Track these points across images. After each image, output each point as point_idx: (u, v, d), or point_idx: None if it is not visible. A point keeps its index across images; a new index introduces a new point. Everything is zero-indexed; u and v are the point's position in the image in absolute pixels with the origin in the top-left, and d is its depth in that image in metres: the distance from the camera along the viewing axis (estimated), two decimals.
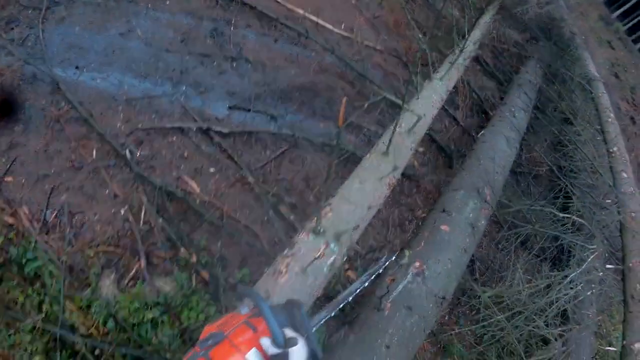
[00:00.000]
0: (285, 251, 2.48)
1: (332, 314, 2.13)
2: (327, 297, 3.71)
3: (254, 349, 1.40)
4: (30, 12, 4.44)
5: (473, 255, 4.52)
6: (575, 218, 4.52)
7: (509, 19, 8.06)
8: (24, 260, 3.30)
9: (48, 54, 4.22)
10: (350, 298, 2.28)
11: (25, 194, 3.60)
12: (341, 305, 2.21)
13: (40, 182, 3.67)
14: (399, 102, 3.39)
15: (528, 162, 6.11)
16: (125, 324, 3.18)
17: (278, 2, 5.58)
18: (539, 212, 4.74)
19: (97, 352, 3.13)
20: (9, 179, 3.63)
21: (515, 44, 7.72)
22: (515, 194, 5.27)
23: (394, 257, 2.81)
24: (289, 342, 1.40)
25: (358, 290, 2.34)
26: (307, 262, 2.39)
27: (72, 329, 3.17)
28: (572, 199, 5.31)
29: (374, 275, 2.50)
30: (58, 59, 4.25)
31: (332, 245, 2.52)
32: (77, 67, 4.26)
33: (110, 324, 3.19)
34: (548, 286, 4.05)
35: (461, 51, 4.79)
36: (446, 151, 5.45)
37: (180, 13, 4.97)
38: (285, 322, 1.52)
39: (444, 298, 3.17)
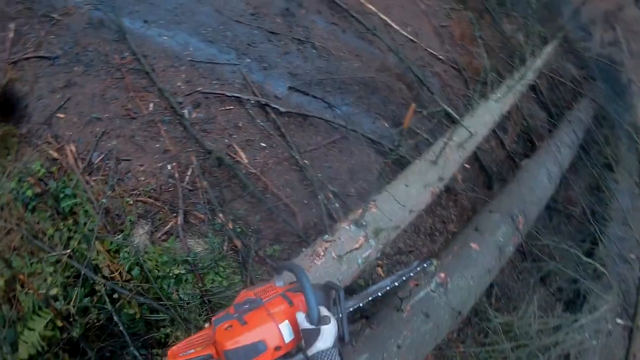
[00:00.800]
0: (326, 236, 2.54)
1: (361, 304, 2.16)
2: (350, 287, 3.65)
3: (286, 321, 1.47)
4: None
5: (493, 279, 4.38)
6: (598, 265, 4.40)
7: (570, 54, 7.88)
8: (61, 195, 3.26)
9: (118, 3, 4.24)
10: (380, 293, 2.31)
11: (75, 132, 3.58)
12: (370, 298, 2.25)
13: (92, 124, 3.65)
14: (456, 115, 3.36)
15: (563, 200, 5.91)
16: (149, 275, 3.10)
17: None
18: (564, 251, 4.61)
19: (115, 295, 3.06)
20: (60, 115, 3.62)
21: (573, 80, 7.50)
22: (545, 228, 5.12)
23: (426, 265, 2.85)
24: (322, 320, 1.46)
25: (388, 288, 2.37)
26: (344, 251, 2.46)
27: (96, 269, 3.11)
28: (598, 246, 5.13)
29: (404, 277, 2.56)
30: (127, 10, 4.28)
31: (370, 239, 2.59)
32: (145, 21, 4.27)
33: (136, 272, 3.12)
34: (558, 326, 3.94)
35: (521, 78, 4.69)
36: (488, 172, 5.30)
37: None
38: (321, 300, 1.58)
39: (459, 313, 3.14)
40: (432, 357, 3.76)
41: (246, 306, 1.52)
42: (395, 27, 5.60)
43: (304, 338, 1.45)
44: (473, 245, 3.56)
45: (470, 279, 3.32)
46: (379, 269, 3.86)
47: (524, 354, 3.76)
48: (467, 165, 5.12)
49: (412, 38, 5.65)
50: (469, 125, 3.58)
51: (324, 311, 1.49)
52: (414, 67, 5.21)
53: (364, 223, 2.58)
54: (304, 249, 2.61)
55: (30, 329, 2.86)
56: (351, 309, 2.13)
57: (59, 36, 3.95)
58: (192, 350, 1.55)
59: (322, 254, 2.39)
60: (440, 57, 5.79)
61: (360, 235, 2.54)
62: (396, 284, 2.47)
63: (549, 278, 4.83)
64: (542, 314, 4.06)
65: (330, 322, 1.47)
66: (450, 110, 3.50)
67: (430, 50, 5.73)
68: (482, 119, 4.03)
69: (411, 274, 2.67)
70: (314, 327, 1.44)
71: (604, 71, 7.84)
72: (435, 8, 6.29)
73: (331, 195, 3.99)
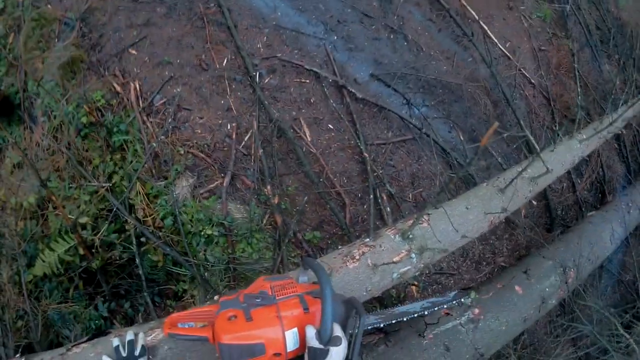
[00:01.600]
0: (367, 239, 2.34)
1: (382, 325, 2.01)
2: (378, 298, 3.45)
3: (295, 329, 1.35)
4: None
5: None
6: (632, 342, 4.03)
7: None
8: (115, 129, 3.22)
9: None
10: (406, 318, 2.14)
11: (143, 71, 3.50)
12: (394, 321, 2.07)
13: (161, 66, 3.55)
14: (537, 146, 3.08)
15: (618, 264, 5.51)
16: (182, 228, 2.99)
17: None
18: (604, 317, 4.27)
19: (143, 239, 3.01)
20: (133, 51, 3.54)
21: None
22: (592, 288, 4.77)
23: (463, 300, 2.70)
24: (333, 341, 1.32)
25: (416, 315, 2.21)
26: (381, 261, 2.25)
27: (131, 209, 3.06)
28: (639, 321, 4.72)
29: (437, 307, 2.37)
30: None
31: (413, 255, 2.36)
32: None
33: (169, 221, 3.03)
34: None
35: (611, 124, 4.29)
36: (552, 213, 4.93)
37: None
38: (337, 317, 1.42)
39: (482, 355, 2.95)
40: None
41: (258, 300, 1.41)
42: (494, 39, 5.24)
43: (310, 356, 1.32)
44: (517, 288, 3.39)
45: (504, 323, 3.14)
46: (413, 287, 3.63)
47: None
48: (533, 202, 4.78)
49: (508, 54, 5.27)
50: (547, 161, 3.25)
51: (337, 330, 1.34)
52: (504, 85, 4.85)
53: (410, 236, 2.35)
54: (340, 246, 2.45)
55: (51, 249, 2.85)
56: (370, 327, 1.97)
57: None
58: (192, 324, 1.49)
59: (357, 257, 2.19)
60: (533, 81, 5.39)
61: (404, 248, 2.31)
62: (426, 312, 2.30)
63: (581, 341, 4.47)
64: None
65: (340, 344, 1.32)
66: (532, 139, 3.19)
67: (524, 72, 5.35)
68: (562, 157, 3.71)
69: (444, 306, 2.44)
70: (322, 347, 1.30)
71: None
72: (537, 29, 5.86)
73: (386, 196, 3.75)
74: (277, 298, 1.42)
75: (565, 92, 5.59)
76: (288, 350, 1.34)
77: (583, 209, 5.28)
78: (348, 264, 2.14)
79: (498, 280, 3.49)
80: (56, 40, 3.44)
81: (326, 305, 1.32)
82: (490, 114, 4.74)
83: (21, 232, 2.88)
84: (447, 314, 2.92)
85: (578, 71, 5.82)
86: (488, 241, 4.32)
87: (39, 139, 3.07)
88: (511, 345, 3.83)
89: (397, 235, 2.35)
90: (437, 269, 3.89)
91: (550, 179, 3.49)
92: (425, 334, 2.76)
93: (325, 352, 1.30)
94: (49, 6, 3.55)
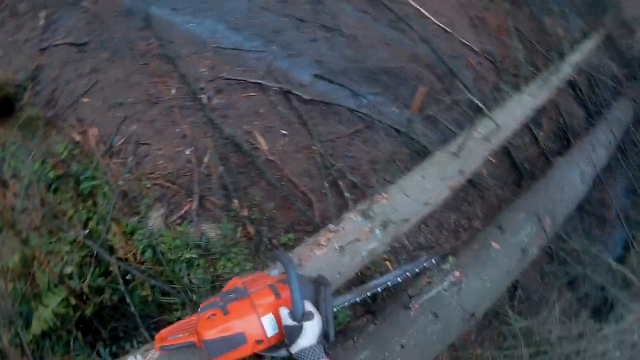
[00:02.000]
0: (331, 225, 2.48)
1: (358, 300, 2.08)
2: (361, 282, 3.56)
3: (270, 314, 1.45)
4: None
5: (517, 282, 4.31)
6: (628, 273, 4.23)
7: (612, 51, 7.47)
8: (82, 177, 3.39)
9: None
10: (380, 289, 2.22)
11: (98, 116, 3.69)
12: (369, 293, 2.16)
13: (114, 108, 3.74)
14: (480, 104, 3.23)
15: (598, 203, 5.66)
16: (162, 258, 3.16)
17: None
18: (594, 256, 4.47)
19: (128, 277, 3.14)
20: (85, 99, 3.73)
21: (614, 78, 7.11)
22: (575, 231, 4.92)
23: (434, 261, 2.67)
24: (306, 316, 1.44)
25: (389, 284, 2.27)
26: (347, 241, 2.38)
27: (111, 250, 3.20)
28: (630, 252, 4.96)
29: (409, 273, 2.42)
30: None
31: (377, 231, 2.50)
32: (173, 9, 4.34)
33: (148, 254, 3.18)
34: (581, 334, 3.78)
35: (557, 71, 4.47)
36: (519, 169, 5.12)
37: None
38: (308, 295, 1.56)
39: (472, 315, 2.97)
40: (447, 357, 3.69)
41: (232, 295, 1.51)
42: (429, 16, 5.45)
43: (286, 334, 1.43)
44: (494, 244, 3.38)
45: (487, 280, 3.15)
46: (388, 263, 3.77)
47: None
48: (494, 161, 4.97)
49: (446, 28, 5.49)
50: (498, 118, 3.43)
51: (308, 306, 1.47)
52: (445, 58, 5.08)
53: (371, 214, 2.52)
54: (306, 238, 2.55)
55: (44, 306, 2.99)
56: (347, 304, 2.06)
57: (87, 24, 4.06)
58: (179, 335, 1.56)
59: (323, 244, 2.34)
60: (475, 49, 5.60)
61: (367, 226, 2.48)
62: (399, 279, 2.36)
63: (577, 283, 4.63)
64: (566, 320, 3.95)
65: (313, 318, 1.45)
66: (474, 99, 3.34)
67: (465, 42, 5.55)
68: (513, 112, 3.86)
69: (417, 270, 2.51)
70: (296, 323, 1.41)
71: None
72: None
73: (350, 186, 3.94)
74: (249, 290, 1.52)
75: (510, 53, 5.78)
76: (269, 336, 1.44)
77: (550, 159, 5.41)
78: (316, 251, 2.29)
79: (474, 242, 3.49)
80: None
81: (292, 284, 1.44)
82: (438, 88, 4.93)
83: (12, 293, 3.07)
84: (429, 282, 2.96)
85: (518, 29, 6.06)
86: (460, 209, 4.48)
87: (13, 202, 3.27)
88: (507, 303, 4.00)
89: (358, 216, 2.51)
90: (415, 246, 4.04)
91: (504, 135, 3.63)
92: (410, 306, 2.79)
93: (299, 328, 1.40)
94: None
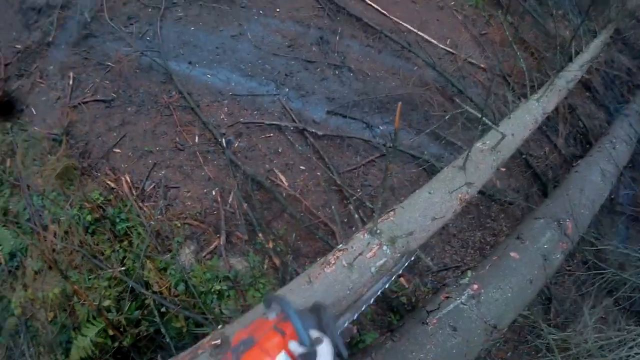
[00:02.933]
0: (340, 245, 2.54)
1: (355, 317, 2.16)
2: (383, 298, 3.72)
3: (282, 352, 1.44)
4: (149, 10, 4.99)
5: (551, 294, 4.28)
6: None
7: (621, 44, 7.49)
8: (117, 220, 3.66)
9: (164, 49, 4.69)
10: (373, 299, 2.30)
11: (130, 165, 3.97)
12: (364, 307, 2.24)
13: (144, 156, 4.02)
14: (479, 115, 3.23)
15: (628, 202, 5.61)
16: (194, 290, 3.36)
17: (384, 14, 5.74)
18: (629, 257, 4.35)
19: (163, 309, 3.33)
20: (117, 150, 4.02)
21: (628, 72, 7.10)
22: (608, 234, 4.88)
23: (413, 258, 2.69)
24: (315, 342, 1.45)
25: (380, 291, 2.36)
26: (355, 259, 2.43)
27: (146, 285, 3.43)
28: None
29: (394, 276, 2.50)
30: (173, 54, 4.70)
31: (385, 247, 2.53)
32: (189, 62, 4.67)
33: (181, 287, 3.40)
34: (620, 341, 3.60)
35: (559, 71, 4.53)
36: (541, 179, 5.17)
37: (289, 20, 5.28)
38: (311, 324, 1.57)
39: (495, 327, 2.96)
40: None
41: (241, 348, 1.50)
42: (433, 41, 5.68)
43: None
44: (512, 254, 3.38)
45: (508, 290, 3.13)
46: (402, 279, 3.90)
47: None
48: (510, 172, 5.05)
49: (450, 50, 5.70)
50: (506, 128, 3.45)
51: (314, 333, 1.50)
52: (453, 79, 5.27)
53: (378, 231, 2.56)
54: (318, 259, 2.64)
55: (83, 335, 3.18)
56: (348, 323, 2.13)
57: (112, 81, 4.39)
58: None
59: (332, 262, 2.41)
60: (482, 66, 5.79)
61: (374, 243, 2.52)
62: (387, 285, 2.47)
63: (615, 288, 4.48)
64: (604, 328, 3.80)
65: (323, 341, 1.46)
66: (472, 111, 3.39)
67: (471, 60, 5.75)
68: (521, 120, 3.89)
69: (400, 270, 2.58)
70: (307, 349, 1.43)
71: None
72: (473, 17, 6.29)
73: (370, 213, 4.09)
74: (255, 338, 1.50)
75: (516, 64, 5.81)
76: None
77: (574, 164, 5.28)
78: (325, 269, 2.36)
79: (493, 254, 3.49)
80: (48, 155, 3.92)
81: (292, 318, 1.47)
82: (449, 109, 5.02)
83: (52, 322, 3.28)
84: (447, 297, 2.99)
85: (522, 39, 6.18)
86: (485, 225, 4.57)
87: (54, 245, 3.52)
88: (541, 316, 3.97)
89: (365, 234, 2.55)
90: (440, 266, 4.13)
91: (514, 143, 3.67)
92: (428, 321, 2.81)
93: (314, 353, 1.41)
94: (35, 128, 4.06)
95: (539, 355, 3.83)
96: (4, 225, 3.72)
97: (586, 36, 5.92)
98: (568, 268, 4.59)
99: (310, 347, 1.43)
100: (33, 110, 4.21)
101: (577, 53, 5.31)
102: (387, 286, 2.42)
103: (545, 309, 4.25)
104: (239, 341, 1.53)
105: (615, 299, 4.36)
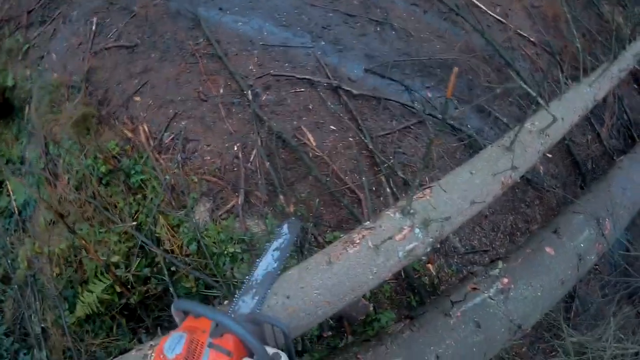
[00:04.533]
0: (367, 222, 2.30)
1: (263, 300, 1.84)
2: (404, 277, 3.50)
3: None
4: None
5: (575, 292, 4.05)
6: None
7: None
8: (132, 172, 3.49)
9: None
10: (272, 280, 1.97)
11: (149, 114, 3.76)
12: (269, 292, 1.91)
13: (165, 106, 3.80)
14: (534, 94, 2.93)
15: None
16: (207, 251, 3.17)
17: None
18: None
19: (173, 268, 3.19)
20: (137, 98, 3.81)
21: None
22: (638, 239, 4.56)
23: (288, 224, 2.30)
24: (275, 357, 1.34)
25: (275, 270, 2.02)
26: (382, 240, 2.17)
27: (158, 242, 3.27)
28: None
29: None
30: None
31: (416, 230, 2.26)
32: (220, 9, 4.38)
33: (194, 247, 3.22)
34: (637, 353, 3.42)
35: (614, 58, 4.16)
36: (581, 168, 4.83)
37: None
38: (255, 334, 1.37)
39: (519, 327, 2.74)
40: None
41: None
42: (482, 6, 5.27)
43: None
44: (548, 249, 3.13)
45: (538, 288, 2.91)
46: (430, 265, 3.63)
47: None
48: (554, 159, 4.71)
49: (500, 19, 5.28)
50: (556, 111, 3.14)
51: (270, 349, 1.35)
52: (501, 49, 4.87)
53: (411, 211, 2.28)
54: (341, 235, 2.42)
55: (89, 291, 3.10)
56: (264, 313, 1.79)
57: (137, 27, 4.17)
58: None
59: (357, 242, 2.15)
60: (532, 39, 5.37)
61: (406, 224, 2.24)
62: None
63: (638, 296, 4.31)
64: (622, 337, 3.58)
65: (279, 356, 1.35)
66: (529, 90, 3.08)
67: (521, 32, 5.33)
68: (572, 105, 3.56)
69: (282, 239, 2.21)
70: None
71: None
72: None
73: (402, 184, 3.82)
74: None
75: (568, 43, 5.47)
76: None
77: (615, 158, 5.09)
78: (348, 249, 2.12)
79: (527, 245, 3.25)
80: (67, 102, 3.75)
81: (241, 334, 1.29)
82: (494, 81, 4.73)
83: (58, 277, 3.16)
84: (474, 289, 2.79)
85: (576, 18, 5.73)
86: (518, 210, 4.27)
87: (66, 194, 3.37)
88: (562, 315, 3.74)
89: (397, 213, 2.29)
90: (468, 249, 3.88)
91: (562, 128, 3.40)
92: (452, 313, 2.63)
93: None
94: (54, 74, 3.87)
95: (552, 354, 3.70)
96: (20, 174, 3.61)
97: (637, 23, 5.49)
98: (596, 268, 4.33)
99: None
100: (54, 56, 4.07)
101: (630, 41, 4.89)
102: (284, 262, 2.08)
103: (566, 307, 4.02)
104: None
105: (637, 309, 4.11)
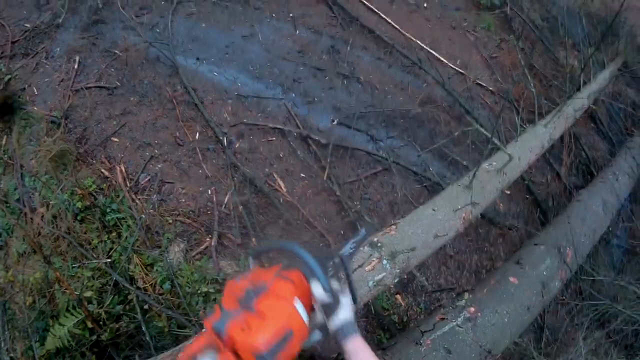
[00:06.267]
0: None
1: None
2: (374, 315, 3.64)
3: (297, 300, 1.30)
4: (162, 2, 4.89)
5: (543, 322, 4.24)
6: None
7: (629, 77, 7.47)
8: (108, 210, 3.54)
9: (173, 42, 4.60)
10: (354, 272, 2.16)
11: (126, 155, 3.86)
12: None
13: (142, 148, 3.92)
14: (488, 134, 3.14)
15: (625, 234, 5.59)
16: (180, 290, 3.23)
17: (397, 29, 5.68)
18: (624, 289, 4.28)
19: (145, 307, 3.20)
20: (115, 139, 3.91)
21: (633, 105, 7.09)
22: (604, 265, 4.81)
23: (364, 231, 2.46)
24: (336, 290, 1.34)
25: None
26: (352, 270, 2.30)
27: (131, 280, 3.30)
28: None
29: (356, 249, 2.19)
30: (182, 48, 4.63)
31: (384, 261, 2.43)
32: (198, 59, 4.59)
33: (167, 286, 3.28)
34: None
35: (568, 98, 4.51)
36: (542, 206, 5.13)
37: (302, 26, 5.21)
38: (324, 269, 1.40)
39: (489, 352, 2.87)
40: None
41: (251, 295, 1.31)
42: (443, 60, 5.65)
43: (325, 311, 1.33)
44: (511, 279, 3.31)
45: (505, 315, 3.05)
46: (398, 296, 3.81)
47: None
48: (512, 195, 5.00)
49: (460, 70, 5.67)
50: (513, 151, 3.40)
51: (335, 284, 1.37)
52: (460, 99, 5.22)
53: (379, 244, 2.47)
54: None
55: (61, 325, 3.02)
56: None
57: (118, 69, 4.29)
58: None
59: None
60: (490, 88, 5.76)
61: (374, 257, 2.41)
62: (352, 250, 2.06)
63: (607, 320, 4.42)
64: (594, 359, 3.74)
65: (344, 290, 1.38)
66: (483, 131, 3.32)
67: (480, 82, 5.73)
68: (528, 144, 3.87)
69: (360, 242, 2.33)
70: (331, 300, 1.32)
71: None
72: (484, 39, 6.28)
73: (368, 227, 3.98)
74: (267, 285, 1.33)
75: (526, 90, 5.82)
76: (306, 322, 1.30)
77: (574, 194, 5.28)
78: None
79: (491, 277, 3.42)
80: (45, 137, 3.81)
81: (311, 262, 1.33)
82: (455, 129, 5.04)
83: (30, 307, 3.15)
84: (443, 318, 2.90)
85: (533, 65, 6.17)
86: (482, 249, 4.52)
87: (41, 228, 3.41)
88: (534, 346, 3.87)
89: (365, 247, 2.44)
90: (434, 287, 4.06)
91: (519, 166, 3.64)
92: (422, 342, 2.72)
93: (337, 303, 1.32)
94: (34, 108, 3.95)
95: None
96: None
97: (594, 67, 5.93)
98: (562, 298, 4.53)
99: (333, 296, 1.32)
100: (35, 90, 4.10)
101: (584, 83, 5.31)
102: (352, 251, 2.17)
103: (537, 338, 4.19)
104: (244, 291, 1.34)
105: (607, 331, 4.27)
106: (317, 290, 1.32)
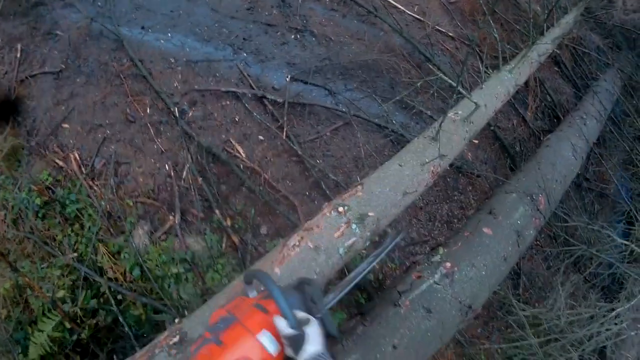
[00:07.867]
0: (305, 224, 2.36)
1: (340, 297, 2.00)
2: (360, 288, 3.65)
3: (264, 331, 1.36)
4: None
5: (520, 269, 4.30)
6: (634, 247, 4.04)
7: (592, 22, 7.53)
8: (67, 201, 3.50)
9: (116, 14, 4.43)
10: (359, 279, 2.15)
11: (78, 140, 3.79)
12: (349, 287, 2.08)
13: (93, 131, 3.85)
14: (453, 83, 3.05)
15: (595, 178, 5.67)
16: (150, 275, 3.25)
17: None
18: (597, 233, 4.36)
19: (119, 297, 3.23)
20: (65, 125, 3.84)
21: (597, 50, 7.16)
22: (576, 209, 4.90)
23: (399, 238, 2.48)
24: (302, 322, 1.37)
25: (366, 271, 2.18)
26: (321, 240, 2.25)
27: (100, 271, 3.31)
28: (634, 226, 4.81)
29: (380, 257, 2.30)
30: (125, 19, 4.46)
31: (353, 226, 2.36)
32: (142, 27, 4.43)
33: (137, 272, 3.29)
34: (591, 317, 3.65)
35: (533, 44, 4.45)
36: (509, 151, 5.14)
37: None
38: (296, 302, 1.48)
39: (470, 307, 2.85)
40: (452, 355, 3.68)
41: (220, 325, 1.42)
42: (400, 7, 5.51)
43: (290, 345, 1.35)
44: (486, 230, 3.26)
45: (482, 268, 3.02)
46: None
47: (556, 350, 3.55)
48: (478, 143, 5.00)
49: (418, 17, 5.54)
50: (478, 98, 3.30)
51: (300, 314, 1.41)
52: (420, 46, 5.12)
53: (346, 208, 2.39)
54: (281, 239, 2.51)
55: (40, 331, 3.07)
56: (333, 303, 1.97)
57: (61, 51, 4.14)
58: None
59: (297, 244, 2.20)
60: (451, 34, 5.65)
61: (342, 222, 2.34)
62: (374, 264, 2.26)
63: (581, 263, 4.59)
64: (574, 304, 3.82)
65: (310, 322, 1.39)
66: (447, 79, 3.25)
67: (439, 28, 5.62)
68: (493, 91, 3.78)
69: (387, 250, 2.36)
70: (295, 332, 1.34)
71: (629, 39, 7.50)
72: None
73: (334, 185, 4.00)
74: (236, 315, 1.42)
75: (487, 35, 5.77)
76: (271, 352, 1.35)
77: (542, 138, 5.38)
78: (290, 252, 2.17)
79: (464, 229, 3.35)
80: None
81: (277, 298, 1.38)
82: (415, 77, 4.96)
83: (7, 319, 3.16)
84: (419, 277, 2.85)
85: (494, 10, 6.05)
86: (452, 198, 4.52)
87: (3, 232, 3.39)
88: (511, 292, 3.96)
89: (332, 212, 2.37)
90: (408, 242, 4.07)
91: (486, 114, 3.58)
92: (400, 303, 2.69)
93: (302, 335, 1.33)
94: None
95: (509, 330, 3.89)
96: None
97: (557, 12, 5.84)
98: (537, 243, 4.63)
99: (297, 328, 1.35)
100: None
101: (548, 28, 5.24)
102: (373, 265, 2.25)
103: (514, 284, 4.28)
104: (218, 318, 1.46)
105: (584, 275, 4.38)
106: (280, 324, 1.35)
